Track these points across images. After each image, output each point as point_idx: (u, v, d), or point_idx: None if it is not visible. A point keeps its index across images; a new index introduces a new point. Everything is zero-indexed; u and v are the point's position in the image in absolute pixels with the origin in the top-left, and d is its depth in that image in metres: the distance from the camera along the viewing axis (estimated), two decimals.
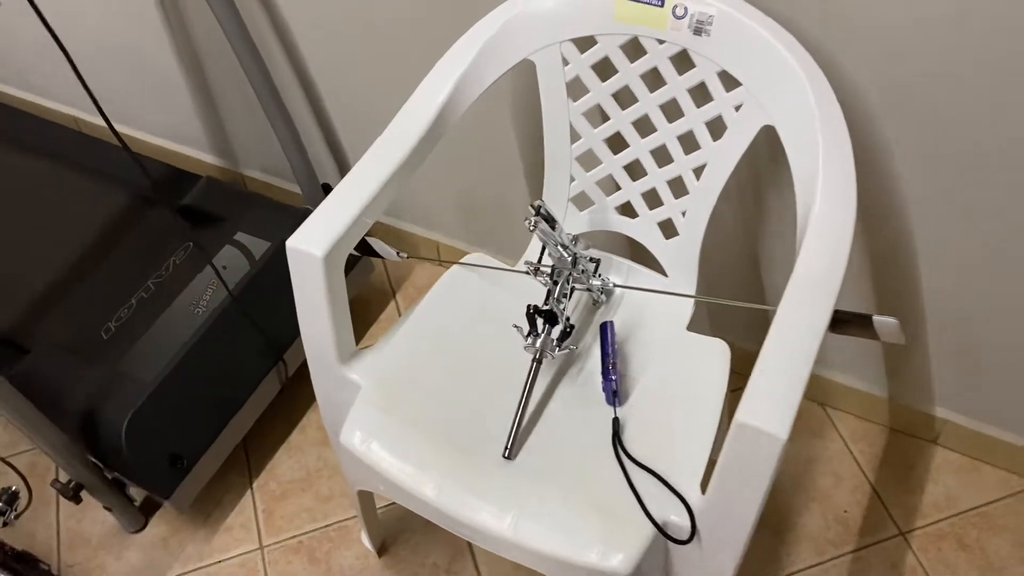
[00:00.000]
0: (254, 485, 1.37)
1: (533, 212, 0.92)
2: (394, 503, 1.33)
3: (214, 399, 1.28)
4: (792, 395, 0.73)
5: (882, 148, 0.99)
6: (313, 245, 0.88)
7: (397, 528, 1.30)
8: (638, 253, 1.10)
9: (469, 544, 1.28)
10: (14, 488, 1.14)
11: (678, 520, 0.85)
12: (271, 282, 1.36)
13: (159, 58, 1.58)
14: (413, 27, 1.21)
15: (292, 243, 0.89)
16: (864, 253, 1.13)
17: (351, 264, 1.46)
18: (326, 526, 1.31)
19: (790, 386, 0.73)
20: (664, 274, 1.07)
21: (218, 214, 1.45)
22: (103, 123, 1.88)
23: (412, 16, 1.20)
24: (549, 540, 0.86)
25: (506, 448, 0.92)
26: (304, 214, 1.36)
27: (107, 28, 1.59)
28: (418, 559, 1.26)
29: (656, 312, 1.05)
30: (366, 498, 1.15)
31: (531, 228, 0.91)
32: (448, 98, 0.96)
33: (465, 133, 1.32)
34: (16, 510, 1.12)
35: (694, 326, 1.03)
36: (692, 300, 1.04)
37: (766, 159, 1.09)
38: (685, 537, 0.84)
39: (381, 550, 1.28)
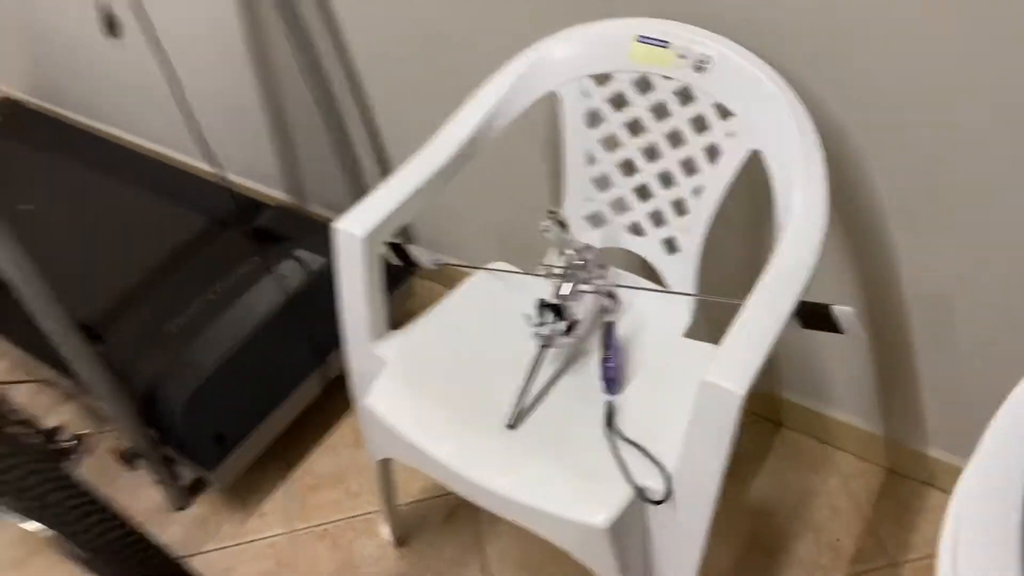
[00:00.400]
0: (289, 477, 1.49)
1: (549, 216, 1.06)
2: (413, 502, 1.44)
3: (261, 390, 1.43)
4: (751, 360, 0.84)
5: (850, 159, 1.12)
6: (356, 227, 1.03)
7: (416, 524, 1.40)
8: (644, 271, 1.22)
9: (480, 539, 1.37)
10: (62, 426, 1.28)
11: (655, 486, 0.95)
12: (322, 293, 1.51)
13: (246, 105, 1.80)
14: (460, 63, 1.40)
15: (338, 225, 1.04)
16: (856, 284, 1.23)
17: (393, 284, 1.61)
18: (351, 517, 1.42)
19: (750, 353, 0.84)
20: (666, 288, 1.19)
21: (282, 235, 1.63)
22: (188, 159, 2.11)
23: (459, 59, 1.38)
24: (541, 498, 0.96)
25: (510, 419, 1.04)
26: None
27: (204, 78, 1.82)
28: (433, 552, 1.36)
29: (657, 321, 1.17)
30: (385, 472, 1.26)
31: (546, 231, 1.05)
32: (483, 121, 1.13)
33: (495, 164, 1.48)
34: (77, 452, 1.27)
35: (692, 336, 1.14)
36: (689, 310, 1.16)
37: (753, 184, 1.21)
38: (659, 499, 0.94)
39: (400, 542, 1.38)
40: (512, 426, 1.03)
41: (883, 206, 1.12)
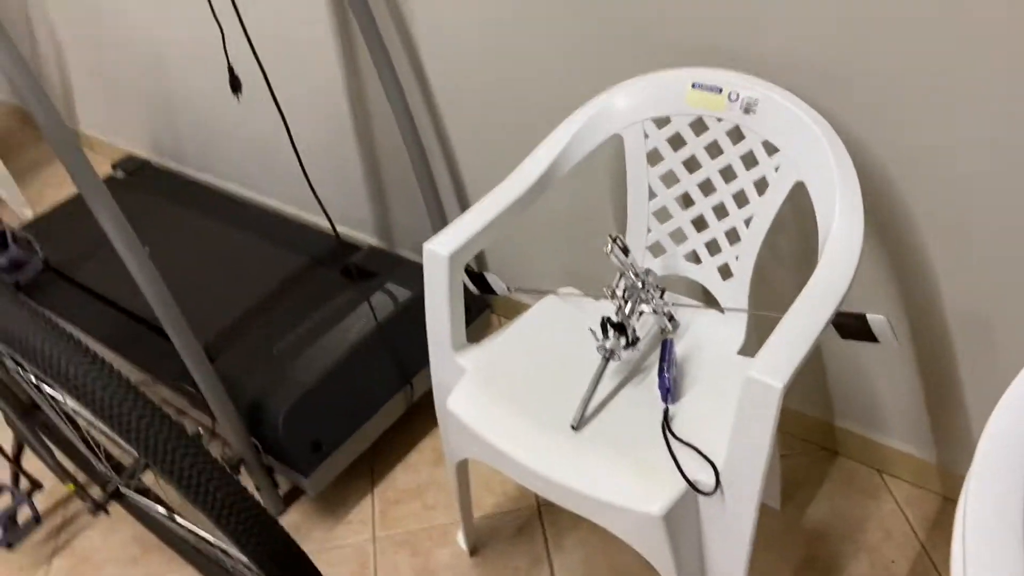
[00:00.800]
0: (375, 490, 1.62)
1: (611, 241, 1.19)
2: (486, 516, 1.55)
3: (352, 406, 1.57)
4: (790, 359, 0.94)
5: (886, 183, 1.21)
6: (442, 247, 1.18)
7: (488, 536, 1.50)
8: (702, 297, 1.33)
9: (548, 552, 1.46)
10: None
11: (707, 479, 1.04)
12: (407, 322, 1.67)
13: (346, 157, 2.00)
14: (534, 112, 1.55)
15: (428, 245, 1.19)
16: (899, 305, 1.31)
17: (470, 318, 1.76)
18: (429, 528, 1.54)
19: (789, 353, 0.94)
20: (721, 311, 1.30)
21: (374, 271, 1.80)
22: (288, 207, 2.32)
23: (541, 100, 1.54)
24: (603, 489, 1.06)
25: (575, 421, 1.15)
26: None
27: (311, 134, 2.04)
28: (504, 561, 1.46)
29: (712, 340, 1.27)
30: (463, 477, 1.38)
31: (608, 252, 1.18)
32: (555, 159, 1.27)
33: (561, 200, 1.62)
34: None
35: (746, 354, 1.24)
36: (742, 329, 1.26)
37: (798, 214, 1.32)
38: (709, 490, 1.03)
39: (473, 551, 1.49)
40: (576, 428, 1.15)
41: (919, 226, 1.22)
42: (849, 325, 1.02)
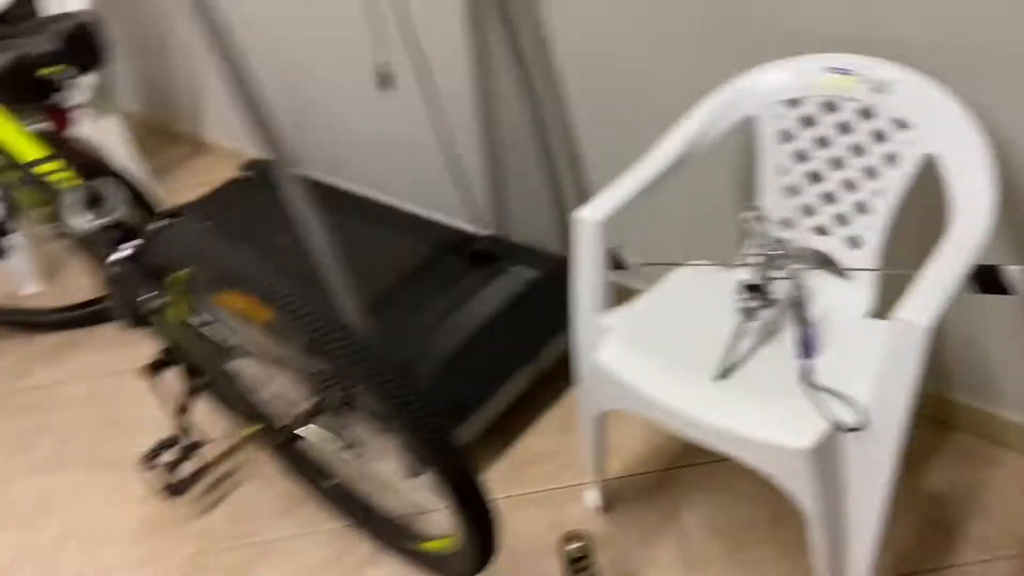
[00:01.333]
0: (508, 452, 1.74)
1: (751, 211, 1.30)
2: (615, 478, 1.65)
3: (487, 375, 1.71)
4: (935, 299, 1.04)
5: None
6: (595, 214, 1.30)
7: (618, 496, 1.61)
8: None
9: (679, 510, 1.56)
10: None
11: (850, 420, 1.14)
12: (531, 300, 1.80)
13: (467, 156, 2.15)
14: (659, 104, 1.67)
15: (579, 214, 1.31)
16: None
17: None
18: (561, 488, 1.65)
19: (934, 294, 1.04)
20: (846, 276, 1.39)
21: (497, 254, 1.94)
22: (413, 208, 2.47)
23: (676, 75, 1.66)
24: (751, 427, 1.17)
25: (719, 372, 1.25)
26: (558, 259, 1.82)
27: (430, 129, 2.19)
28: (635, 518, 1.56)
29: (841, 305, 1.37)
30: (601, 431, 1.49)
31: (749, 220, 1.29)
32: (693, 137, 1.39)
33: (692, 181, 1.73)
34: None
35: (876, 317, 1.33)
36: (871, 295, 1.35)
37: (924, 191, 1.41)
38: (854, 428, 1.12)
39: (604, 509, 1.59)
40: (722, 377, 1.25)
41: None
42: (985, 276, 1.11)
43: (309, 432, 1.38)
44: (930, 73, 1.25)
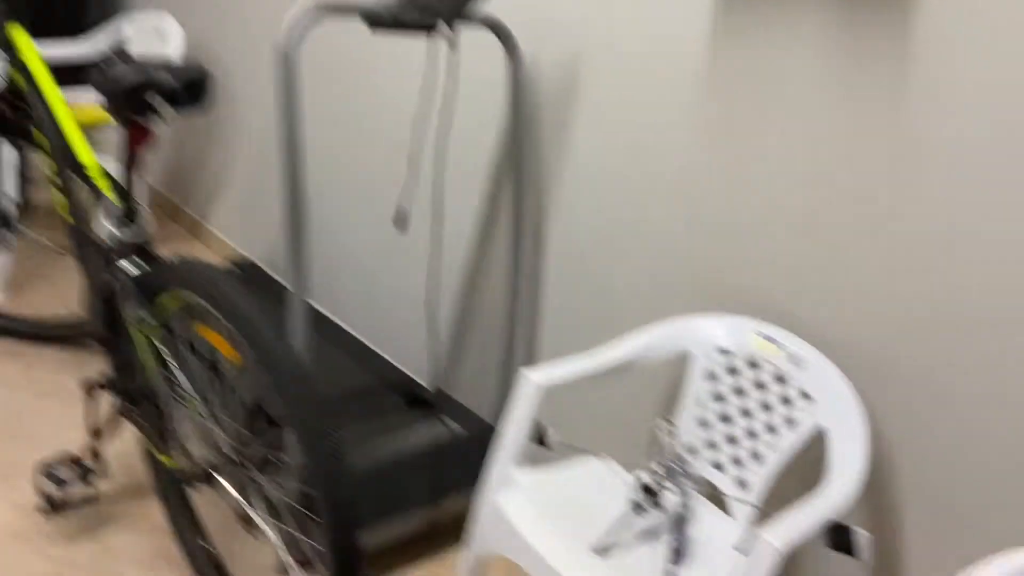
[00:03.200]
0: None
1: (667, 423, 1.50)
2: None
3: (390, 498, 1.81)
4: (793, 532, 1.21)
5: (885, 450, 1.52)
6: (541, 378, 1.49)
7: None
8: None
9: None
10: None
11: None
12: (451, 453, 1.95)
13: (442, 305, 2.36)
14: (620, 322, 1.91)
15: (528, 372, 1.50)
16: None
17: None
18: None
19: (794, 529, 1.22)
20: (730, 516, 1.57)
21: (434, 404, 2.10)
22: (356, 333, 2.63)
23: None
24: None
25: (600, 547, 1.39)
26: (486, 425, 1.99)
27: (412, 279, 2.41)
28: None
29: (716, 532, 1.53)
30: (481, 572, 1.58)
31: (659, 430, 1.48)
32: (640, 350, 1.61)
33: (620, 391, 1.93)
34: None
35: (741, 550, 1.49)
36: (744, 531, 1.52)
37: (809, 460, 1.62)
38: None
39: None
40: (600, 553, 1.39)
41: (905, 498, 1.51)
42: (838, 534, 1.29)
43: (220, 479, 1.47)
44: (837, 361, 1.51)
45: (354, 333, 2.58)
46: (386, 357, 2.38)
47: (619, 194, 1.85)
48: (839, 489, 1.35)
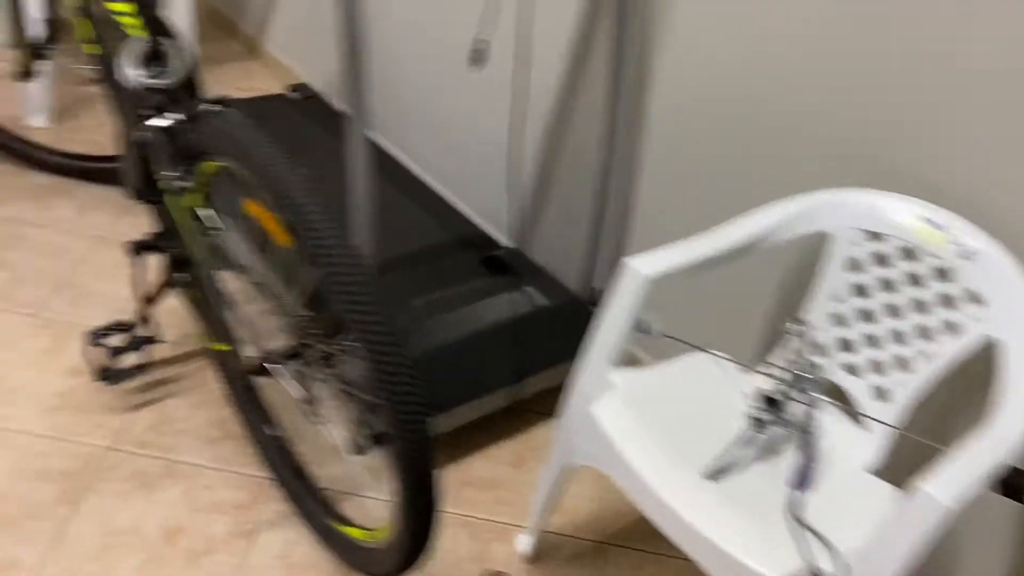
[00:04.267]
0: (451, 466, 1.66)
1: (796, 323, 1.24)
2: (551, 533, 1.58)
3: (464, 381, 1.63)
4: (964, 483, 0.97)
5: None
6: (645, 267, 1.24)
7: (548, 552, 1.53)
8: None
9: None
10: None
11: (828, 570, 1.07)
12: (535, 326, 1.73)
13: (526, 159, 2.08)
14: (736, 193, 1.62)
15: (631, 262, 1.25)
16: None
17: None
18: (493, 521, 1.57)
19: (965, 477, 0.98)
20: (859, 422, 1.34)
21: (513, 268, 1.88)
22: (445, 191, 2.40)
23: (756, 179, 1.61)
24: (726, 539, 1.10)
25: (710, 472, 1.19)
26: (572, 295, 1.76)
27: (495, 126, 2.13)
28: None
29: (844, 449, 1.31)
30: (561, 479, 1.41)
31: (788, 332, 1.23)
32: (766, 228, 1.33)
33: (736, 275, 1.68)
34: None
35: (876, 474, 1.28)
36: (876, 451, 1.30)
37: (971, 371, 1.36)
38: None
39: (534, 559, 1.51)
40: (710, 478, 1.19)
41: None
42: (1015, 479, 1.05)
43: (276, 372, 1.29)
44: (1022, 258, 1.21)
45: (424, 178, 2.33)
46: (460, 208, 2.15)
47: (746, 32, 1.49)
48: (1016, 421, 1.09)
